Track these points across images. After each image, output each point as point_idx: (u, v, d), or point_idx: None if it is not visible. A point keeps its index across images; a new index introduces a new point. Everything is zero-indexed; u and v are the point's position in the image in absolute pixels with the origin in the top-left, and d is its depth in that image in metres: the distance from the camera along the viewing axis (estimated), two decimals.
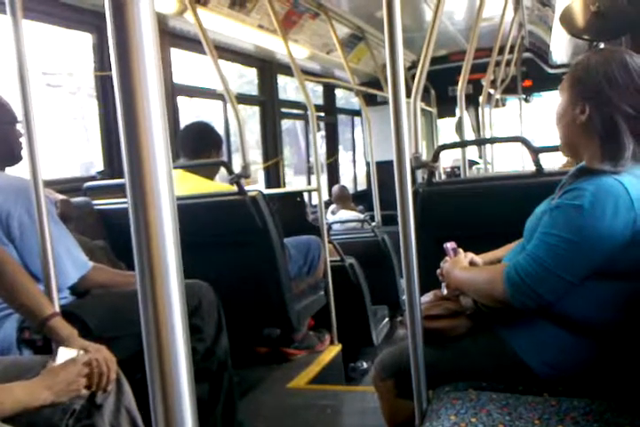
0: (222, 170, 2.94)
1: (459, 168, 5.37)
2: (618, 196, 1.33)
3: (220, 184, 3.13)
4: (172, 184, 0.59)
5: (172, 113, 3.82)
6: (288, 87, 7.54)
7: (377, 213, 5.49)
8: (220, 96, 3.96)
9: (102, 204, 2.83)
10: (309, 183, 6.40)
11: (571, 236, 1.35)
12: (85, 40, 3.30)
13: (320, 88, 6.91)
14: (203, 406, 2.04)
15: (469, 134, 7.32)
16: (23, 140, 1.79)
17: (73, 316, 1.79)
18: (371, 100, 6.48)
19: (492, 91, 5.66)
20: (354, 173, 7.68)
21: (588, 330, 1.43)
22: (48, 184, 2.03)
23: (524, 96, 7.28)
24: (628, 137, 1.39)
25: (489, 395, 1.42)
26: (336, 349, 3.31)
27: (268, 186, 5.13)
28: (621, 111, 1.38)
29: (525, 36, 6.39)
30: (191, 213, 2.44)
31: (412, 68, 6.59)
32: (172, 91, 3.82)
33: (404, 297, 1.46)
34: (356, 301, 3.73)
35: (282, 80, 5.87)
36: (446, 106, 7.33)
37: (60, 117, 3.72)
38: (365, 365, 3.65)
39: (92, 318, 1.87)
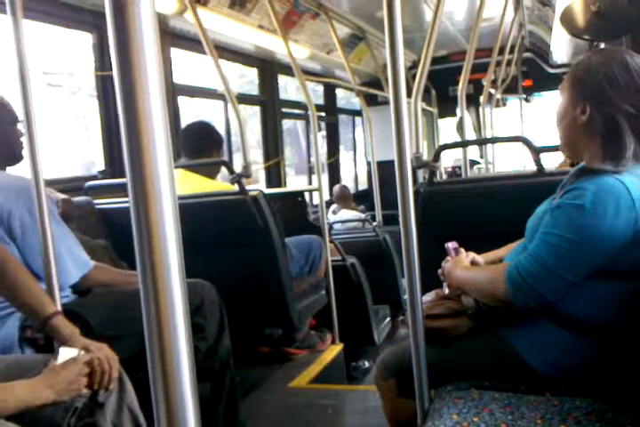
0: (224, 169, 2.94)
1: (460, 168, 5.36)
2: (619, 195, 1.33)
3: (221, 184, 3.13)
4: (173, 184, 0.59)
5: (173, 113, 3.82)
6: (289, 87, 7.54)
7: (378, 212, 5.49)
8: (220, 96, 3.96)
9: (103, 203, 2.83)
10: (310, 183, 6.40)
11: (572, 235, 1.35)
12: (86, 40, 3.30)
13: (321, 88, 6.91)
14: (205, 406, 2.03)
15: (470, 134, 7.32)
16: (24, 139, 1.79)
17: (75, 315, 1.79)
18: (371, 100, 6.48)
19: (492, 91, 5.66)
20: (355, 173, 7.68)
21: (589, 330, 1.43)
22: (49, 183, 2.03)
23: (525, 96, 7.28)
24: (629, 136, 1.39)
25: (491, 394, 1.42)
26: (337, 348, 3.31)
27: (269, 186, 5.13)
28: (622, 111, 1.38)
29: (526, 36, 6.39)
30: (192, 213, 2.44)
31: (412, 68, 6.59)
32: (173, 91, 3.82)
33: (406, 297, 1.46)
34: (358, 300, 3.74)
35: (282, 80, 5.87)
36: (447, 106, 7.33)
37: (60, 117, 3.73)
38: (367, 364, 3.65)
39: (93, 316, 1.87)
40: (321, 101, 6.79)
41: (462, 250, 1.73)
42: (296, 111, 6.14)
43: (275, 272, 2.76)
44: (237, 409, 2.24)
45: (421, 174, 4.19)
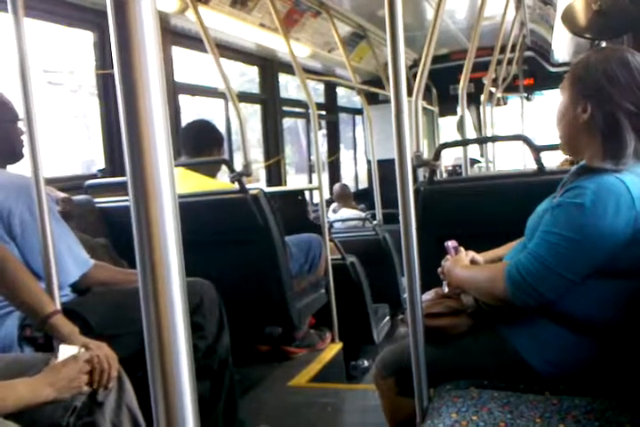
0: (225, 168, 2.94)
1: (460, 167, 5.36)
2: (619, 194, 1.33)
3: (221, 182, 3.13)
4: (173, 182, 0.59)
5: (174, 111, 3.82)
6: (289, 86, 7.53)
7: (378, 211, 5.49)
8: (221, 94, 3.96)
9: (103, 202, 2.83)
10: (311, 182, 6.40)
11: (572, 234, 1.35)
12: (86, 38, 3.30)
13: (321, 86, 6.91)
14: (204, 404, 2.04)
15: (471, 133, 7.32)
16: (24, 137, 1.79)
17: (74, 313, 1.79)
18: (372, 99, 6.47)
19: (493, 89, 5.66)
20: (355, 172, 7.68)
21: (589, 328, 1.43)
22: (49, 182, 2.03)
23: (526, 95, 7.28)
24: (629, 134, 1.39)
25: (490, 393, 1.42)
26: (337, 347, 3.31)
27: (270, 184, 5.13)
28: (623, 108, 1.39)
29: (527, 35, 6.38)
30: (193, 211, 2.44)
31: (413, 66, 6.59)
32: (174, 89, 3.82)
33: (405, 295, 1.46)
34: (357, 299, 3.74)
35: (283, 78, 5.87)
36: (448, 104, 7.33)
37: (61, 115, 3.73)
38: (366, 363, 3.65)
39: (93, 315, 1.87)
40: (322, 100, 6.79)
41: (462, 249, 1.74)
42: (297, 110, 6.14)
43: (274, 271, 2.76)
44: (236, 408, 2.24)
45: (422, 173, 4.20)
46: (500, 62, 5.26)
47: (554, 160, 3.72)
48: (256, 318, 2.95)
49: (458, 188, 2.44)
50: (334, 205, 5.74)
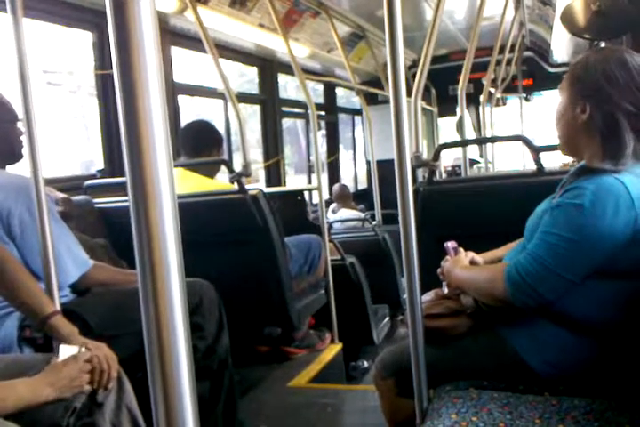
0: (224, 168, 2.94)
1: (459, 167, 5.37)
2: (618, 195, 1.33)
3: (220, 183, 3.13)
4: (172, 183, 0.59)
5: (173, 112, 3.82)
6: (289, 86, 7.53)
7: (377, 211, 5.49)
8: (220, 95, 3.96)
9: (103, 202, 2.83)
10: (310, 182, 6.40)
11: (571, 235, 1.35)
12: (86, 38, 3.30)
13: (321, 87, 6.91)
14: (203, 405, 2.04)
15: (470, 133, 7.32)
16: (24, 138, 1.79)
17: (74, 314, 1.79)
18: (371, 99, 6.48)
19: (492, 90, 5.67)
20: (354, 172, 7.68)
21: (588, 329, 1.43)
22: (49, 182, 2.03)
23: (525, 95, 7.28)
24: (628, 134, 1.39)
25: (490, 394, 1.42)
26: (337, 348, 3.31)
27: (269, 185, 5.13)
28: (622, 109, 1.39)
29: (526, 35, 6.39)
30: (192, 212, 2.44)
31: (412, 67, 6.59)
32: (173, 89, 3.82)
33: (405, 296, 1.46)
34: (357, 299, 3.73)
35: (282, 79, 5.87)
36: (447, 105, 7.33)
37: (60, 116, 3.72)
38: (366, 364, 3.65)
39: (92, 316, 1.87)
40: (321, 100, 6.79)
41: (461, 249, 1.74)
42: (296, 110, 6.14)
43: (274, 271, 2.76)
44: (236, 408, 2.24)
45: (421, 173, 4.20)
46: (499, 63, 5.27)
47: (553, 161, 3.72)
48: (256, 318, 2.95)
49: (457, 188, 2.44)
50: (334, 205, 5.74)
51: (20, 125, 1.89)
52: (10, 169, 2.04)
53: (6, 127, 1.97)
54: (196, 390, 0.60)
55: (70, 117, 3.93)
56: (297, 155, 8.19)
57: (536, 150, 2.16)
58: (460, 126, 5.23)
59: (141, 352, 0.61)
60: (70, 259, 1.94)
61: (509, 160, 7.54)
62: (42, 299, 1.62)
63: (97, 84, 3.34)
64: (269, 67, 5.19)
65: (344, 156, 7.59)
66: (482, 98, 4.64)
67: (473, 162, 6.06)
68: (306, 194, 4.28)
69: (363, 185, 7.55)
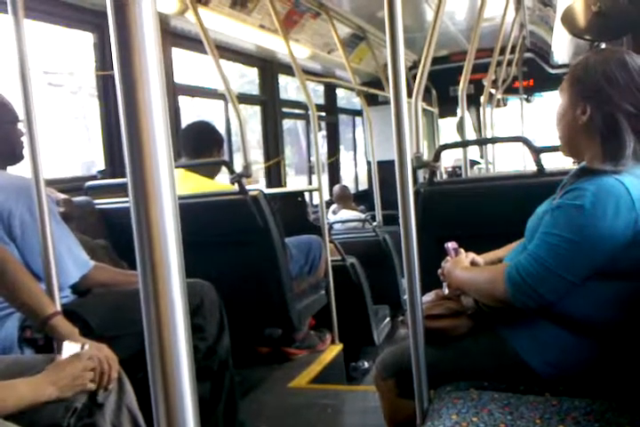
0: (225, 169, 2.94)
1: (460, 168, 5.36)
2: (619, 196, 1.33)
3: (221, 183, 3.13)
4: (173, 183, 0.59)
5: (174, 112, 3.82)
6: (289, 87, 7.54)
7: (378, 212, 5.49)
8: (221, 96, 3.96)
9: (103, 203, 2.83)
10: (310, 183, 6.40)
11: (572, 236, 1.35)
12: (86, 39, 3.30)
13: (321, 88, 6.91)
14: (204, 406, 2.03)
15: (471, 134, 7.32)
16: (24, 139, 1.79)
17: (74, 315, 1.79)
18: (372, 100, 6.48)
19: (493, 91, 5.66)
20: (355, 173, 7.68)
21: (589, 330, 1.43)
22: (49, 183, 2.03)
23: (526, 96, 7.29)
24: (629, 135, 1.39)
25: (490, 395, 1.42)
26: (337, 348, 3.31)
27: (269, 185, 5.13)
28: (622, 110, 1.39)
29: (527, 37, 6.39)
30: (192, 213, 2.44)
31: (413, 68, 6.59)
32: (174, 90, 3.82)
33: (406, 297, 1.46)
34: (358, 300, 3.73)
35: (283, 80, 5.87)
36: (447, 106, 7.33)
37: (61, 117, 3.73)
38: (366, 364, 3.65)
39: (93, 317, 1.87)
40: (321, 101, 6.79)
41: (462, 250, 1.74)
42: (296, 111, 6.14)
43: (274, 272, 2.76)
44: (237, 409, 2.24)
45: (422, 174, 4.21)
46: (499, 64, 5.27)
47: (554, 162, 3.72)
48: (256, 319, 2.95)
49: (458, 189, 2.44)
50: (334, 206, 5.74)
51: (21, 126, 1.90)
52: (11, 170, 2.04)
53: (7, 128, 1.97)
54: (197, 391, 0.60)
55: (71, 118, 3.94)
56: (297, 156, 8.19)
57: (536, 151, 2.16)
58: (460, 127, 5.24)
59: (142, 353, 0.61)
60: (71, 260, 1.94)
61: (510, 161, 7.53)
62: (42, 300, 1.62)
63: (98, 85, 3.34)
64: (270, 68, 5.20)
65: (344, 156, 7.59)
66: (482, 99, 4.64)
67: (473, 163, 6.06)
68: (306, 195, 4.29)
69: (363, 186, 7.55)
